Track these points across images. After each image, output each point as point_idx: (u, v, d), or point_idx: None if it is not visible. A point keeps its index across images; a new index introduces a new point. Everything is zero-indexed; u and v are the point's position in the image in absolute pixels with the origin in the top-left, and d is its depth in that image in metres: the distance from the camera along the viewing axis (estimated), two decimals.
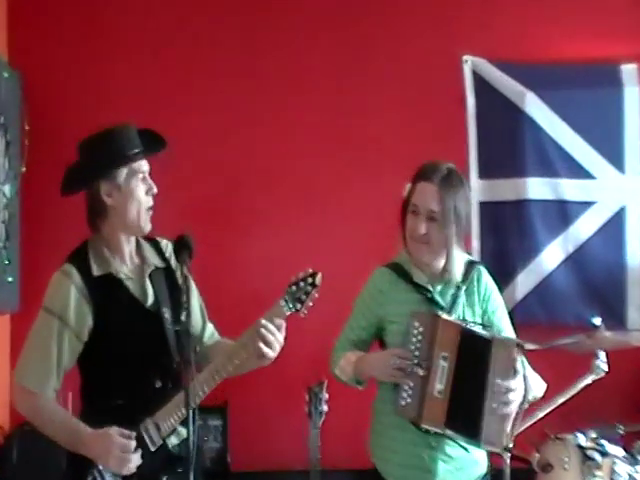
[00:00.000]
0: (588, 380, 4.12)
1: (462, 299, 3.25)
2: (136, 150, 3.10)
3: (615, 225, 4.95)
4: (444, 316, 3.15)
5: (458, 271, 3.25)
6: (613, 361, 4.15)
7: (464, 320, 3.20)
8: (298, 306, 2.99)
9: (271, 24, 5.07)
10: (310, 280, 2.98)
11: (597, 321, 4.09)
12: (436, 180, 3.17)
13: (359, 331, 3.35)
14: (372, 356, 3.30)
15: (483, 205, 4.97)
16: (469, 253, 3.44)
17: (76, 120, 4.63)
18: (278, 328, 3.00)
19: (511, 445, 3.15)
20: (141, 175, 3.12)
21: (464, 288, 3.26)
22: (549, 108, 4.87)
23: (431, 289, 3.25)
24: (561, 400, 4.12)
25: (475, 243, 4.96)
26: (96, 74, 4.98)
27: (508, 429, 3.10)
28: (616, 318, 4.88)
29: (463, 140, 5.01)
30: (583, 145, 4.90)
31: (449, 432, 3.15)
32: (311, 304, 2.96)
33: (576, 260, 4.94)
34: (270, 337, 2.99)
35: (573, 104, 4.85)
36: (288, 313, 3.00)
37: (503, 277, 4.57)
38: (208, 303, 3.33)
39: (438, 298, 3.25)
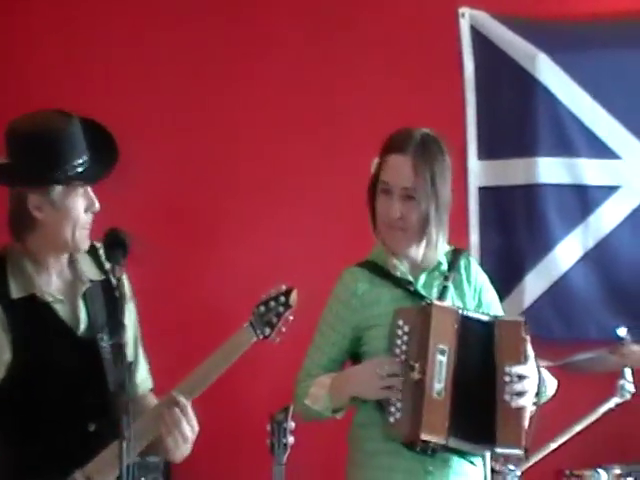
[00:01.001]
0: (611, 404, 3.90)
1: (451, 290, 3.14)
2: (79, 169, 2.82)
3: None
4: (437, 302, 3.04)
5: (441, 257, 3.15)
6: None
7: (459, 307, 3.10)
8: (267, 331, 2.81)
9: None
10: (283, 299, 2.82)
11: (623, 332, 3.89)
12: (409, 150, 3.05)
13: (330, 349, 3.17)
14: (352, 370, 3.14)
15: (484, 191, 4.59)
16: (450, 244, 3.27)
17: None
18: (183, 414, 2.78)
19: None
20: (81, 190, 2.84)
21: (452, 277, 3.15)
22: (566, 73, 4.51)
23: (413, 281, 3.11)
24: (578, 428, 3.92)
25: (473, 237, 4.57)
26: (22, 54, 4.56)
27: (525, 426, 3.00)
28: None
29: (459, 112, 4.62)
30: (607, 118, 4.53)
31: (453, 442, 2.99)
32: (284, 329, 2.80)
33: (598, 257, 4.57)
34: (170, 422, 2.78)
35: (595, 69, 4.52)
36: (255, 339, 2.81)
37: (508, 278, 4.43)
38: (162, 324, 3.14)
39: (422, 291, 3.11)
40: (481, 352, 3.05)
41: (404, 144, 3.07)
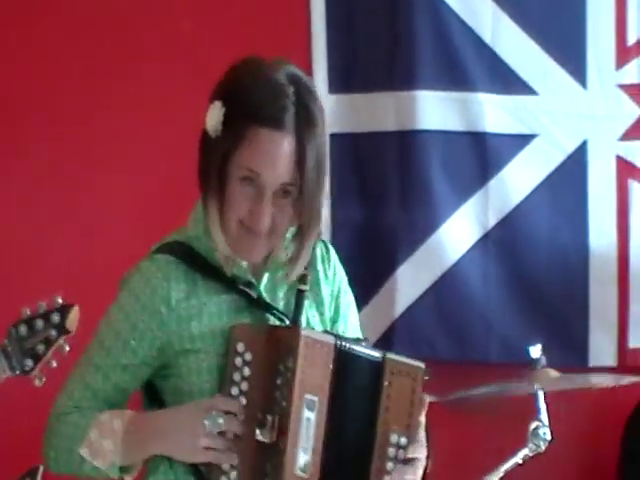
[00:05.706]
0: (518, 459, 3.30)
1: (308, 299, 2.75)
2: None
3: (570, 177, 3.96)
4: (305, 332, 2.52)
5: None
6: (563, 419, 3.52)
7: (334, 334, 2.61)
8: (28, 364, 2.38)
9: None
10: (57, 319, 2.38)
11: (535, 351, 3.39)
12: (288, 122, 2.46)
13: (118, 375, 2.59)
14: (166, 415, 2.54)
15: (337, 140, 3.96)
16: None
17: None
18: None
19: None
20: None
21: (309, 278, 2.66)
22: None
23: (254, 282, 2.64)
24: None
25: (323, 211, 3.96)
26: None
27: None
28: (569, 346, 3.93)
29: (301, 21, 4.03)
30: (517, 36, 3.97)
31: None
32: (55, 364, 2.38)
33: (502, 241, 4.00)
34: None
35: None
36: (7, 376, 2.39)
37: (372, 272, 3.96)
38: None
39: (268, 298, 2.65)
40: (360, 407, 2.62)
41: (279, 111, 2.46)
